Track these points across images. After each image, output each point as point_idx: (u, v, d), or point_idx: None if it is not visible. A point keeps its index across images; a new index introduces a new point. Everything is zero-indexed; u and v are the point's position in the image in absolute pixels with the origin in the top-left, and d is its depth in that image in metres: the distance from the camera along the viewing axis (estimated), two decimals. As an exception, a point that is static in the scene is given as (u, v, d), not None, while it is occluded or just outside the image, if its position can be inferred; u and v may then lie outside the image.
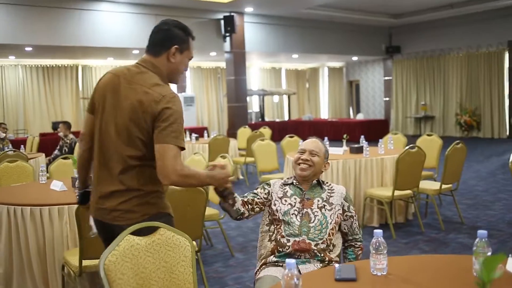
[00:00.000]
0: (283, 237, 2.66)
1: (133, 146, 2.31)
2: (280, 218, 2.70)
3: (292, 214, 2.69)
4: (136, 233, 2.15)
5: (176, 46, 2.41)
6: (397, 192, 5.32)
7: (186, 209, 3.56)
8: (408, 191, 5.47)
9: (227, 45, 14.36)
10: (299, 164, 2.82)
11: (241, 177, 9.58)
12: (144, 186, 2.34)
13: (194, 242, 3.78)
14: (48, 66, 16.57)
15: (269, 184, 2.86)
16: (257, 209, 2.78)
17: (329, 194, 2.78)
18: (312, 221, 2.67)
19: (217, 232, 5.57)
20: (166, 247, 2.25)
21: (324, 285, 1.91)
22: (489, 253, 1.90)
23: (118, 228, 2.24)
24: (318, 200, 2.74)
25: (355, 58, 19.95)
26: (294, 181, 2.84)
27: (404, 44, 18.68)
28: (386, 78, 19.79)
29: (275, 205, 2.75)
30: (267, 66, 20.56)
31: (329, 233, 2.67)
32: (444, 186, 5.65)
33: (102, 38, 12.36)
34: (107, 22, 12.38)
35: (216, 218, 4.73)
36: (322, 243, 2.64)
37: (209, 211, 4.83)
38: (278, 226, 2.70)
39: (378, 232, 1.99)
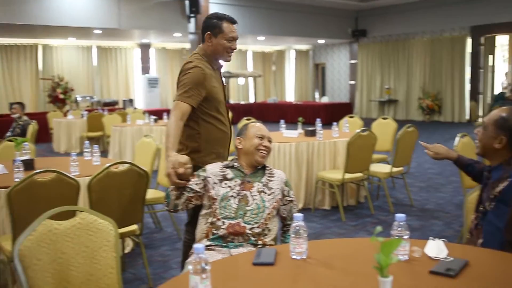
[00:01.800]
0: (218, 219, 2.63)
1: None
2: (218, 201, 2.66)
3: (231, 197, 2.66)
4: None
5: (208, 32, 3.10)
6: (348, 175, 5.35)
7: (125, 192, 3.49)
8: (359, 174, 5.50)
9: (191, 26, 14.15)
10: (259, 150, 2.76)
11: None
12: (186, 141, 3.13)
13: (135, 226, 3.74)
14: (7, 45, 16.05)
15: (204, 170, 2.79)
16: (191, 205, 2.78)
17: (269, 179, 2.75)
18: (249, 204, 2.64)
19: (167, 215, 5.51)
20: (87, 232, 2.19)
21: (240, 269, 1.88)
22: (406, 237, 1.89)
23: None
24: (258, 184, 2.71)
25: (321, 41, 19.96)
26: (236, 164, 2.79)
27: (370, 28, 18.76)
28: (352, 61, 19.87)
29: (213, 188, 2.70)
30: (233, 48, 20.39)
31: (265, 218, 2.65)
32: (395, 169, 5.70)
33: (63, 17, 12.04)
34: (68, 0, 12.05)
35: (163, 201, 4.65)
36: (257, 227, 2.61)
37: (157, 193, 4.78)
38: (214, 209, 2.67)
39: (298, 216, 1.97)
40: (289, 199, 2.78)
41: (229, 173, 2.74)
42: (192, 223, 3.18)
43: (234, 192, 2.67)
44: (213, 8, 14.61)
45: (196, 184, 2.73)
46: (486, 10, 15.27)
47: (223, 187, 2.69)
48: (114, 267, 2.22)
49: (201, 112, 3.10)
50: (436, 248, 1.96)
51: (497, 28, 15.55)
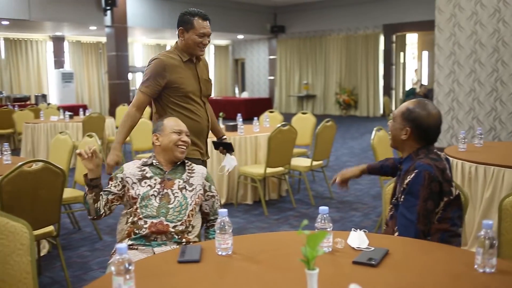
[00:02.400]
0: (140, 219, 2.56)
1: None
2: (138, 200, 2.59)
3: (152, 195, 2.60)
4: None
5: (180, 27, 3.25)
6: (269, 170, 5.40)
7: (39, 192, 3.31)
8: (281, 168, 5.57)
9: (107, 19, 13.70)
10: (178, 146, 2.71)
11: (119, 156, 9.25)
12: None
13: (51, 227, 3.57)
14: None
15: (121, 170, 2.72)
16: (114, 207, 2.72)
17: (189, 175, 2.71)
18: (171, 202, 2.59)
19: (85, 215, 5.29)
20: (-2, 235, 2.05)
21: (165, 268, 1.83)
22: (329, 229, 1.93)
23: None
24: (179, 181, 2.66)
25: (241, 37, 20.03)
26: (154, 161, 2.72)
27: (288, 24, 19.05)
28: (271, 57, 20.11)
29: (133, 188, 2.63)
30: (152, 42, 20.00)
31: (188, 214, 2.61)
32: (315, 163, 5.83)
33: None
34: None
35: (81, 201, 4.46)
36: (180, 224, 2.57)
37: (74, 192, 4.59)
38: (135, 209, 2.59)
39: (223, 211, 1.95)
40: (211, 194, 2.76)
41: (148, 172, 2.68)
42: None
43: (155, 191, 2.62)
44: (130, 1, 14.26)
45: (115, 186, 2.68)
46: (397, 9, 15.97)
47: (142, 186, 2.63)
48: (30, 271, 2.09)
49: (167, 101, 3.22)
50: (358, 239, 2.01)
51: (407, 27, 16.31)
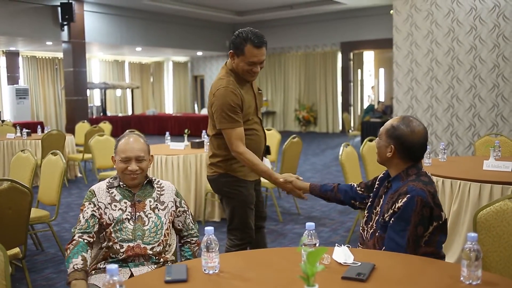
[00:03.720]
0: (115, 243, 2.47)
1: (211, 124, 3.23)
2: (112, 224, 2.48)
3: (125, 219, 2.50)
4: None
5: (231, 51, 3.07)
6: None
7: (6, 212, 3.19)
8: (248, 185, 5.56)
9: (64, 35, 13.47)
10: (126, 174, 2.53)
11: (79, 174, 9.05)
12: (217, 150, 3.23)
13: (17, 249, 3.44)
14: None
15: (92, 193, 2.55)
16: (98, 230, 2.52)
17: (159, 192, 2.62)
18: (146, 224, 2.51)
19: (49, 235, 5.15)
20: (-28, 258, 1.96)
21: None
22: (317, 244, 1.93)
23: None
24: (150, 201, 2.57)
25: (199, 53, 20.03)
26: (121, 183, 2.58)
27: (247, 41, 19.15)
28: (230, 74, 20.13)
29: (105, 214, 2.50)
30: (110, 59, 19.76)
31: (164, 234, 2.55)
32: (282, 179, 5.84)
33: None
34: None
35: (46, 220, 4.35)
36: (158, 245, 2.51)
37: (38, 212, 4.43)
38: (109, 233, 2.48)
39: (209, 229, 1.93)
40: (182, 209, 2.69)
41: (117, 194, 2.55)
42: (243, 222, 3.29)
43: (127, 215, 2.51)
44: (88, 17, 14.08)
45: (93, 209, 2.51)
46: (354, 27, 16.34)
47: (113, 210, 2.51)
48: (5, 296, 2.01)
49: None
50: (343, 254, 2.02)
51: (364, 45, 16.71)
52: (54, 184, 4.45)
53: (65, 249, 2.41)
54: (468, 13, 8.42)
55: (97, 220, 2.49)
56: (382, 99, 17.47)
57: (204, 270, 1.92)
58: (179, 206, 2.67)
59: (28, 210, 3.36)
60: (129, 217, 2.50)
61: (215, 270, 1.91)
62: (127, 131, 7.38)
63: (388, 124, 2.42)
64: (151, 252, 2.48)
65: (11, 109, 15.86)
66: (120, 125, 16.40)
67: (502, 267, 2.35)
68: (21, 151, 4.87)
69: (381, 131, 2.44)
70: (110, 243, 2.47)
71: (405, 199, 2.19)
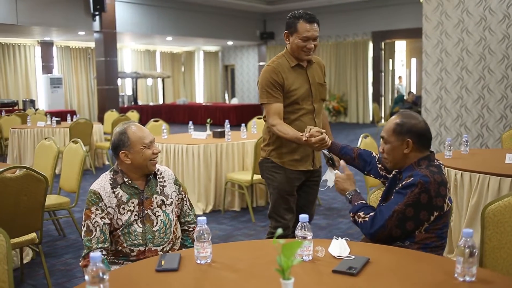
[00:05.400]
0: (124, 247, 2.42)
1: None
2: (121, 228, 2.40)
3: (133, 221, 2.41)
4: None
5: (285, 31, 3.21)
6: (256, 176, 5.37)
7: (22, 199, 3.27)
8: (268, 175, 5.55)
9: (96, 25, 13.65)
10: (152, 160, 2.44)
11: (107, 162, 9.20)
12: (265, 135, 3.34)
13: (34, 234, 3.52)
14: None
15: (98, 196, 2.38)
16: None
17: (161, 184, 2.52)
18: (155, 224, 2.44)
19: (71, 222, 5.25)
20: (-26, 244, 2.02)
21: (142, 277, 1.81)
22: (310, 237, 1.91)
23: None
24: (156, 197, 2.48)
25: (230, 43, 20.05)
26: (126, 179, 2.44)
27: (278, 31, 19.08)
28: (261, 63, 20.12)
29: (114, 218, 2.40)
30: (141, 48, 19.96)
31: (173, 231, 2.53)
32: (302, 170, 5.81)
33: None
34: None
35: (66, 207, 4.45)
36: (168, 243, 2.49)
37: (59, 199, 4.53)
38: (116, 236, 2.42)
39: (202, 219, 1.93)
40: (181, 196, 2.61)
41: (123, 194, 2.42)
42: (275, 210, 3.33)
43: (135, 215, 2.42)
44: (119, 7, 14.23)
45: (102, 214, 2.37)
46: (386, 16, 16.06)
47: (122, 214, 2.41)
48: (6, 281, 2.06)
49: None
50: (339, 247, 2.00)
51: (396, 34, 16.41)
52: (74, 172, 4.53)
53: (84, 265, 2.30)
54: (501, 1, 8.16)
55: (108, 226, 2.39)
56: (413, 89, 17.16)
57: (197, 260, 1.92)
58: (178, 194, 2.60)
59: (44, 197, 3.43)
60: (136, 217, 2.42)
61: (207, 260, 1.92)
62: (151, 120, 7.47)
63: (391, 125, 2.39)
64: (161, 252, 2.45)
65: (46, 97, 16.22)
66: (150, 114, 16.57)
67: (510, 264, 2.29)
68: (45, 139, 4.98)
69: (386, 135, 2.38)
70: (119, 247, 2.42)
71: (409, 180, 2.22)
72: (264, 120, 3.33)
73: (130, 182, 2.45)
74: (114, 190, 2.42)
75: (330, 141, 2.86)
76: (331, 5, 16.82)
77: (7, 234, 2.12)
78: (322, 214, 5.69)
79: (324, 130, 2.89)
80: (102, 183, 2.43)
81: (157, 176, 2.54)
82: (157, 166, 2.55)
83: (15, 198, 3.23)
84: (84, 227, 2.38)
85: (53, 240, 4.87)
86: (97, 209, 2.37)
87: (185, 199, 2.65)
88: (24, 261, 4.07)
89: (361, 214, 2.32)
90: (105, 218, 2.37)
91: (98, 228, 2.35)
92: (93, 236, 2.34)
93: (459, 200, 3.98)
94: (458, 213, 4.02)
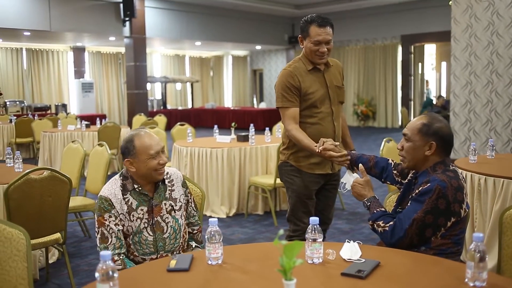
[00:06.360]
0: (136, 256, 2.43)
1: None
2: (131, 236, 2.41)
3: (143, 228, 2.41)
4: None
5: (299, 36, 3.25)
6: (279, 180, 5.37)
7: (46, 200, 3.36)
8: (291, 179, 5.55)
9: (126, 30, 13.92)
10: (157, 170, 2.42)
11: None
12: (283, 138, 3.37)
13: (58, 234, 3.61)
14: None
15: (110, 203, 2.38)
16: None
17: (170, 188, 2.52)
18: (165, 231, 2.45)
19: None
20: (-5, 241, 2.08)
21: (154, 276, 1.84)
22: (319, 240, 1.92)
23: None
24: (165, 203, 2.47)
25: (258, 47, 20.12)
26: (136, 186, 2.43)
27: (306, 35, 19.03)
28: (289, 68, 20.10)
29: (124, 224, 2.40)
30: (171, 53, 20.20)
31: (183, 235, 2.55)
32: (326, 174, 5.79)
33: (-10, 18, 11.54)
34: (-5, 1, 11.57)
35: (91, 209, 4.54)
36: (178, 248, 2.52)
37: (84, 201, 4.63)
38: (127, 245, 2.42)
39: (213, 221, 1.95)
40: (187, 198, 2.61)
41: (133, 201, 2.42)
42: (294, 214, 3.34)
43: (145, 223, 2.42)
44: (149, 12, 14.45)
45: (116, 224, 2.38)
46: (415, 20, 15.89)
47: (132, 221, 2.41)
48: (25, 278, 2.13)
49: None
50: (350, 251, 2.00)
51: (426, 37, 16.20)
52: (100, 174, 4.63)
53: None
54: (532, 3, 7.99)
55: (122, 232, 2.40)
56: (443, 93, 16.91)
57: (208, 260, 1.95)
58: (185, 196, 2.59)
59: (68, 198, 3.52)
60: (146, 225, 2.42)
61: (218, 261, 1.94)
62: (177, 124, 7.56)
63: (417, 124, 2.36)
64: (172, 256, 2.47)
65: (78, 102, 16.57)
66: (179, 118, 16.74)
67: (527, 271, 2.25)
68: (72, 142, 5.10)
69: (410, 134, 2.35)
70: (131, 257, 2.43)
71: (426, 186, 2.19)
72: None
73: (140, 189, 2.44)
74: (125, 196, 2.41)
75: (348, 156, 2.85)
76: (360, 8, 16.72)
77: (32, 234, 2.19)
78: (346, 219, 5.66)
79: (337, 143, 2.89)
80: (112, 189, 2.42)
81: (166, 181, 2.53)
82: (168, 170, 2.55)
83: (40, 199, 3.32)
84: (98, 234, 2.38)
85: (79, 241, 4.97)
86: (110, 216, 2.37)
87: (190, 200, 2.63)
88: (50, 261, 4.17)
89: (381, 223, 2.30)
90: (118, 225, 2.38)
91: (113, 235, 2.35)
92: (109, 243, 2.35)
93: (483, 205, 3.92)
94: (482, 219, 3.95)
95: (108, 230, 2.36)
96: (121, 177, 2.47)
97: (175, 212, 2.51)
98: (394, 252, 2.08)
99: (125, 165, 2.45)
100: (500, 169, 3.99)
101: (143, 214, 2.43)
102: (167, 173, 2.56)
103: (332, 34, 3.16)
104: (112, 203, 2.38)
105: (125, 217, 2.40)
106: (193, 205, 2.65)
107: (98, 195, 2.44)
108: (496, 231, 3.80)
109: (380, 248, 2.16)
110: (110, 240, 2.35)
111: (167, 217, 2.48)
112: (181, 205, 2.55)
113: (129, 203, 2.41)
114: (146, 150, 2.40)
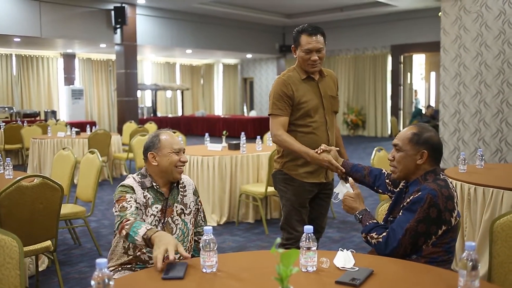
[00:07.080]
0: (143, 253, 2.46)
1: None
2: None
3: (154, 227, 2.36)
4: None
5: (292, 46, 3.31)
6: (270, 188, 5.39)
7: (38, 207, 3.34)
8: (282, 187, 5.57)
9: (117, 37, 13.89)
10: (178, 167, 2.51)
11: (124, 173, 9.31)
12: (278, 147, 3.35)
13: (49, 242, 3.59)
14: None
15: (132, 189, 2.46)
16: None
17: (182, 194, 2.59)
18: (174, 232, 2.50)
19: (87, 231, 5.32)
20: (-12, 249, 2.07)
21: (148, 284, 1.84)
22: (314, 248, 1.93)
23: None
24: (176, 206, 2.54)
25: (249, 56, 20.18)
26: (154, 184, 2.51)
27: (297, 44, 19.13)
28: (279, 76, 20.17)
29: (140, 215, 2.45)
30: (161, 61, 20.20)
31: (190, 240, 2.57)
32: (316, 182, 5.82)
33: (-20, 24, 11.47)
34: (-16, 6, 11.50)
35: (82, 216, 4.52)
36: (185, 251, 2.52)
37: (75, 208, 4.61)
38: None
39: (207, 229, 1.96)
40: (197, 207, 2.67)
41: (150, 197, 2.49)
42: (287, 222, 3.35)
43: (156, 220, 2.48)
44: (140, 20, 14.45)
45: (138, 206, 2.43)
46: (405, 30, 16.04)
47: (147, 216, 2.46)
48: (18, 285, 2.12)
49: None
50: (343, 259, 2.01)
51: (415, 48, 16.35)
52: (90, 182, 4.61)
53: (120, 228, 2.26)
54: (520, 15, 8.10)
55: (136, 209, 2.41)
56: (432, 103, 17.05)
57: (202, 268, 1.95)
58: (195, 204, 2.65)
59: (59, 206, 3.50)
60: (157, 223, 2.47)
61: (213, 269, 1.95)
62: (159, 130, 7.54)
63: (407, 134, 2.39)
64: (178, 260, 2.48)
65: (67, 108, 16.48)
66: (169, 126, 16.72)
67: (518, 280, 2.27)
68: (63, 149, 5.08)
69: (401, 143, 2.38)
70: (138, 253, 2.45)
71: (417, 195, 2.22)
72: None
73: (158, 187, 2.52)
74: (143, 191, 2.49)
75: (341, 161, 2.91)
76: (350, 18, 16.85)
77: (23, 241, 2.18)
78: (336, 227, 5.68)
79: (337, 149, 2.95)
80: (133, 182, 2.50)
81: (179, 186, 2.61)
82: (182, 177, 2.62)
83: (31, 206, 3.30)
84: (117, 207, 2.37)
85: (69, 249, 4.94)
86: (131, 197, 2.42)
87: (200, 209, 2.70)
88: (40, 269, 4.14)
89: (374, 235, 2.31)
90: (138, 206, 2.43)
91: (133, 206, 2.38)
92: (128, 210, 2.34)
93: (473, 215, 3.96)
94: (472, 228, 3.99)
95: (128, 204, 2.38)
96: (139, 176, 2.55)
97: (185, 215, 2.57)
98: (387, 260, 2.10)
99: (148, 160, 2.53)
100: (490, 179, 4.03)
101: (157, 212, 2.49)
102: (181, 179, 2.62)
103: (323, 42, 3.21)
104: (135, 190, 2.46)
105: (142, 209, 2.46)
106: (202, 215, 2.71)
107: (119, 185, 2.49)
108: (486, 240, 3.84)
109: (373, 257, 2.18)
110: (128, 208, 2.36)
111: (177, 219, 2.54)
112: (191, 211, 2.61)
113: (147, 198, 2.49)
114: (170, 144, 2.53)
